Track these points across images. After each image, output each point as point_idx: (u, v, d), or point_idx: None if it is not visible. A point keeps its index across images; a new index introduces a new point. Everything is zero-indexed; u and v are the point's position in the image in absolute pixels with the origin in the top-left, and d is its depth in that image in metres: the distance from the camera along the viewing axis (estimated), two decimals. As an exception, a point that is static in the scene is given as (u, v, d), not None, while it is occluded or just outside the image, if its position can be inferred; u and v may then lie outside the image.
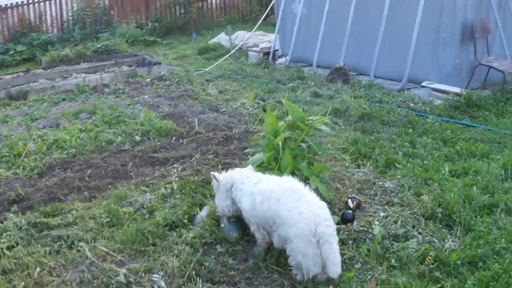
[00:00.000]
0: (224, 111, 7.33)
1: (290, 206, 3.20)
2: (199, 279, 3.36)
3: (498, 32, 8.39)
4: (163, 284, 3.29)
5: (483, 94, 7.31)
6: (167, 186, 4.57)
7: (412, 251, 3.68)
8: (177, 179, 4.52)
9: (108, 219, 4.01)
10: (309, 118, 4.32)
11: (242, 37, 13.41)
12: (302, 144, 4.00)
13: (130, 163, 5.34)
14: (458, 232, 4.00)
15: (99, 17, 15.35)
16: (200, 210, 4.09)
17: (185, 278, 3.34)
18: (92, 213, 4.15)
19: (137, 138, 6.07)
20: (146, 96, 8.22)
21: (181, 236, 3.74)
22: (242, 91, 8.70)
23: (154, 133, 6.18)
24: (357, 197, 4.23)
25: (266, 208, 3.33)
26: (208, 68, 10.83)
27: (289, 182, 3.40)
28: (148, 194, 4.52)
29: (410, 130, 6.37)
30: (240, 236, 3.74)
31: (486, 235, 3.84)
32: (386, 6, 8.55)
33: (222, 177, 3.71)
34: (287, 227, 3.18)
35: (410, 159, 5.43)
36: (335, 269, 3.07)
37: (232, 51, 11.63)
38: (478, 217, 4.17)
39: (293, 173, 3.94)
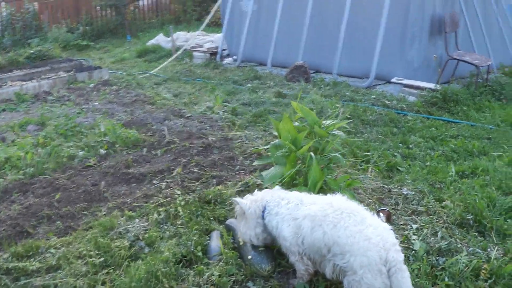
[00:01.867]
0: (190, 116, 6.63)
1: (352, 231, 2.62)
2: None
3: (465, 25, 8.29)
4: None
5: (457, 89, 7.15)
6: (160, 209, 3.84)
7: (462, 265, 3.26)
8: (183, 202, 3.78)
9: (101, 259, 3.22)
10: (323, 122, 3.81)
11: (183, 37, 12.66)
12: (337, 154, 3.44)
13: (103, 182, 4.53)
14: (494, 238, 3.66)
15: (29, 22, 14.11)
16: (210, 238, 3.43)
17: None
18: (77, 251, 3.34)
19: (102, 151, 5.24)
20: (96, 103, 7.32)
21: (201, 274, 3.04)
22: (198, 94, 8.05)
23: (121, 145, 5.37)
24: (386, 209, 3.74)
25: (318, 235, 2.72)
26: (154, 70, 10.01)
27: (343, 202, 2.81)
28: (137, 220, 3.77)
29: (395, 129, 6.04)
30: (273, 268, 3.11)
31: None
32: (347, 2, 8.21)
33: (248, 202, 3.06)
34: (351, 256, 2.59)
35: (410, 161, 5.08)
36: (408, 301, 2.57)
37: (179, 52, 10.87)
38: (509, 220, 3.86)
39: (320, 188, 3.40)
